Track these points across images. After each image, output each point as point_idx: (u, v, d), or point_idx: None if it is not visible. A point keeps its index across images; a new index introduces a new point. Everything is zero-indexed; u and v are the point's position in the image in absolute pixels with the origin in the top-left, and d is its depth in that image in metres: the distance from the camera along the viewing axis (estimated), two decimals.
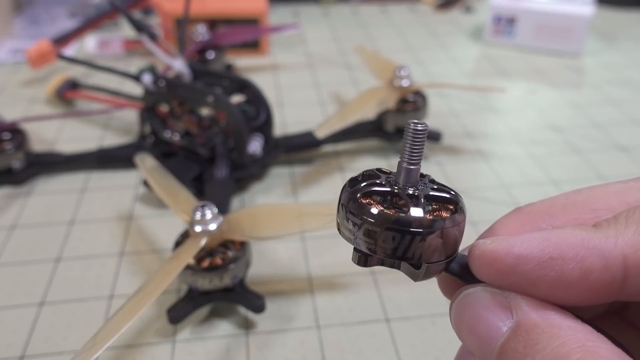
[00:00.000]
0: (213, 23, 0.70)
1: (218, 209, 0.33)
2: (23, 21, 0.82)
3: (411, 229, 0.16)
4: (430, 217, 0.16)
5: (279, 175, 0.49)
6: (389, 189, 0.16)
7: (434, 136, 0.52)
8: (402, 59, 0.71)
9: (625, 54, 0.74)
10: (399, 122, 0.51)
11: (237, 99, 0.50)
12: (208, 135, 0.47)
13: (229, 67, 0.67)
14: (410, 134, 0.17)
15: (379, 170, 0.18)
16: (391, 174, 0.17)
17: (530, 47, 0.74)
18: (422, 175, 0.18)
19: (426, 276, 0.17)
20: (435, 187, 0.17)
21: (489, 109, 0.61)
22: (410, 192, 0.16)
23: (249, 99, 0.49)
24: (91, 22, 0.64)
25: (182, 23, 0.61)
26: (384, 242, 0.16)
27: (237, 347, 0.33)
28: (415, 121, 0.17)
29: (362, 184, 0.17)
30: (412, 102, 0.51)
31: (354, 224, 0.16)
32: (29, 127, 0.51)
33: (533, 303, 0.15)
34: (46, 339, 0.34)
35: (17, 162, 0.47)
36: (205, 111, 0.49)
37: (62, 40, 0.62)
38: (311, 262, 0.39)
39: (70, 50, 0.72)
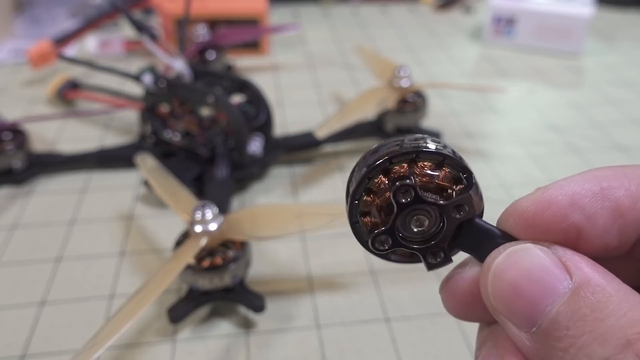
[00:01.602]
0: (213, 23, 0.70)
1: (218, 209, 0.34)
2: (24, 21, 0.82)
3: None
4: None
5: (279, 175, 0.49)
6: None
7: (434, 136, 0.52)
8: (402, 59, 0.71)
9: (624, 54, 0.74)
10: (399, 122, 0.51)
11: (237, 99, 0.50)
12: (208, 135, 0.47)
13: (229, 68, 0.67)
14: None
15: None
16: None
17: (529, 47, 0.74)
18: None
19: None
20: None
21: (488, 109, 0.61)
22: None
23: (249, 99, 0.49)
24: (92, 23, 0.65)
25: (183, 23, 0.61)
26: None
27: (237, 347, 0.33)
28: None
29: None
30: (411, 103, 0.51)
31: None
32: (29, 127, 0.51)
33: (591, 263, 0.14)
34: (47, 338, 0.34)
35: (18, 162, 0.47)
36: (205, 111, 0.49)
37: (63, 40, 0.62)
38: (311, 262, 0.39)
39: (71, 51, 0.72)
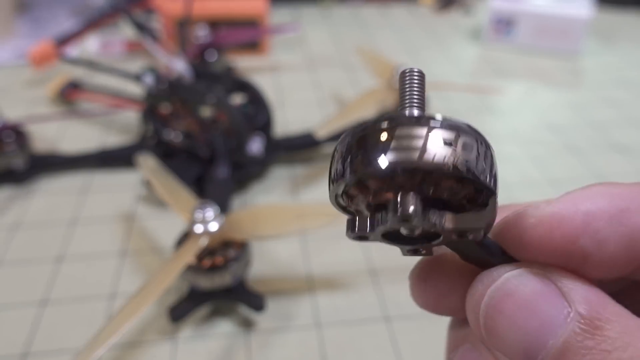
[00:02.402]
0: (214, 24, 0.70)
1: (219, 209, 0.34)
2: (25, 22, 0.82)
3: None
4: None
5: (279, 175, 0.49)
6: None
7: None
8: (402, 59, 0.71)
9: (623, 55, 0.74)
10: None
11: (237, 99, 0.50)
12: (209, 135, 0.47)
13: (229, 68, 0.67)
14: (407, 79, 0.14)
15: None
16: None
17: (529, 48, 0.75)
18: None
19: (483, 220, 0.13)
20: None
21: (488, 109, 0.61)
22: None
23: (249, 100, 0.49)
24: (93, 23, 0.65)
25: (184, 24, 0.61)
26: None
27: (237, 346, 0.33)
28: (409, 68, 0.14)
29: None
30: None
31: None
32: (31, 128, 0.52)
33: (594, 292, 0.13)
34: (48, 337, 0.34)
35: (19, 162, 0.47)
36: (206, 112, 0.49)
37: (64, 41, 0.62)
38: (311, 261, 0.40)
39: (72, 51, 0.72)
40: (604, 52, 0.75)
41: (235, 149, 0.46)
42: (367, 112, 0.48)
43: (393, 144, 0.12)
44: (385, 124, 0.12)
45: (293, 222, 0.35)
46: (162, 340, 0.34)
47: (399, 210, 0.12)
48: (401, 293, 0.37)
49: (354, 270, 0.39)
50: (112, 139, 0.55)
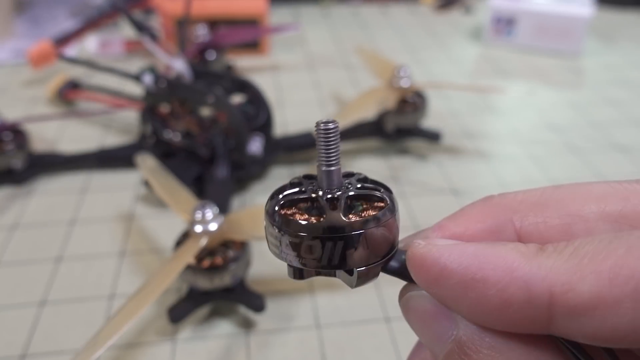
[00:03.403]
0: (213, 23, 0.70)
1: (218, 209, 0.34)
2: (24, 21, 0.82)
3: (330, 235, 0.15)
4: (353, 219, 0.15)
5: (279, 175, 0.49)
6: (306, 196, 0.16)
7: (434, 136, 0.52)
8: (402, 59, 0.71)
9: (624, 55, 0.74)
10: (399, 123, 0.51)
11: (237, 99, 0.50)
12: (208, 135, 0.47)
13: (229, 68, 0.67)
14: (322, 135, 0.16)
15: (307, 176, 0.17)
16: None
17: (529, 47, 0.74)
18: (351, 175, 0.17)
19: (362, 281, 0.16)
20: (360, 186, 0.16)
21: (488, 109, 0.61)
22: (330, 196, 0.15)
23: (249, 99, 0.49)
24: (92, 23, 0.65)
25: (183, 23, 0.61)
26: (307, 252, 0.15)
27: (237, 346, 0.33)
28: (324, 120, 0.16)
29: (282, 194, 0.16)
30: (411, 103, 0.51)
31: (276, 238, 0.16)
32: (30, 128, 0.51)
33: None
34: (47, 337, 0.34)
35: (18, 162, 0.47)
36: (205, 111, 0.49)
37: (63, 40, 0.62)
38: None
39: (71, 51, 0.72)
40: (605, 52, 0.75)
41: (235, 149, 0.46)
42: (367, 112, 0.48)
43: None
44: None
45: None
46: (162, 341, 0.34)
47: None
48: None
49: None
50: (111, 139, 0.54)
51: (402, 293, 0.16)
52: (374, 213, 0.15)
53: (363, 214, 0.15)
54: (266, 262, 0.39)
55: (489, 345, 0.13)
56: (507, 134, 0.56)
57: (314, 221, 0.15)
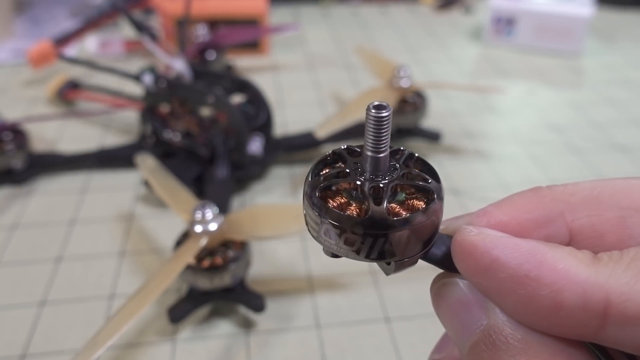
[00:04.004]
0: (213, 23, 0.70)
1: (218, 209, 0.34)
2: (24, 21, 0.82)
3: (371, 232, 0.14)
4: (397, 210, 0.14)
5: (279, 175, 0.49)
6: (349, 181, 0.15)
7: (434, 136, 0.52)
8: (402, 59, 0.71)
9: (624, 55, 0.74)
10: (399, 123, 0.51)
11: (237, 99, 0.50)
12: (208, 135, 0.47)
13: (229, 68, 0.67)
14: (373, 121, 0.14)
15: (350, 151, 0.16)
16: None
17: (529, 47, 0.74)
18: (397, 152, 0.16)
19: (399, 269, 0.15)
20: (406, 172, 0.15)
21: (488, 109, 0.61)
22: (374, 185, 0.14)
23: (249, 99, 0.49)
24: (92, 23, 0.65)
25: (183, 23, 0.61)
26: (345, 243, 0.14)
27: (237, 346, 0.33)
28: (377, 104, 0.14)
29: (323, 173, 0.15)
30: (411, 103, 0.51)
31: (316, 223, 0.15)
32: (30, 128, 0.51)
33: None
34: (47, 338, 0.34)
35: (18, 162, 0.47)
36: (205, 111, 0.49)
37: (63, 40, 0.62)
38: (311, 261, 0.39)
39: (71, 51, 0.72)
40: (605, 52, 0.75)
41: (235, 149, 0.46)
42: None
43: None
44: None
45: (293, 222, 0.34)
46: (162, 341, 0.34)
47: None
48: (401, 293, 0.37)
49: (354, 270, 0.39)
50: (111, 139, 0.54)
51: (435, 281, 0.16)
52: (419, 204, 0.14)
53: (408, 203, 0.14)
54: (266, 262, 0.39)
55: (519, 338, 0.13)
56: (507, 134, 0.56)
57: (355, 214, 0.14)
